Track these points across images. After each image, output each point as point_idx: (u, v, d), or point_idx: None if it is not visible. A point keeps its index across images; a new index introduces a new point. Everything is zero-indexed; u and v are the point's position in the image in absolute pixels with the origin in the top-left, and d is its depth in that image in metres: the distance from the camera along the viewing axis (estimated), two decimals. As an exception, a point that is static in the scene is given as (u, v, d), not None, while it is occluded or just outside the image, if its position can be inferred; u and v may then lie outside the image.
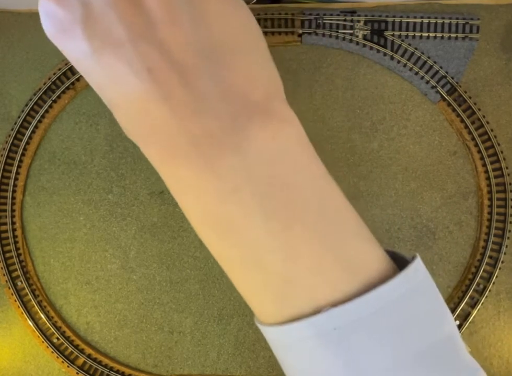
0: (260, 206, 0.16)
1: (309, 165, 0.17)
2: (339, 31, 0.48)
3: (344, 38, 0.48)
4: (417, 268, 0.17)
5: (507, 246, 0.46)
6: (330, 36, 0.48)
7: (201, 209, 0.17)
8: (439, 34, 0.47)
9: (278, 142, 0.16)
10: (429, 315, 0.17)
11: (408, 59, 0.47)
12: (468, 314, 0.46)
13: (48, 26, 0.17)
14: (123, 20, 0.16)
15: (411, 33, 0.47)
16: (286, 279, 0.16)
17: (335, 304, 0.16)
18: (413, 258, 0.18)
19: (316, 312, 0.16)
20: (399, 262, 0.18)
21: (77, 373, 0.47)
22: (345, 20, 0.48)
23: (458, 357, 0.18)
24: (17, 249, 0.48)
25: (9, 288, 0.47)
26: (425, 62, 0.47)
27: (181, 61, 0.16)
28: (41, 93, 0.48)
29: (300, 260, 0.16)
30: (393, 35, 0.48)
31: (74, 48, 0.17)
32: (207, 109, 0.16)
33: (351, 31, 0.48)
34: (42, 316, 0.47)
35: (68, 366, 0.47)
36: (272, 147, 0.16)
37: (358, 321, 0.16)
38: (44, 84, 0.49)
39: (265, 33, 0.47)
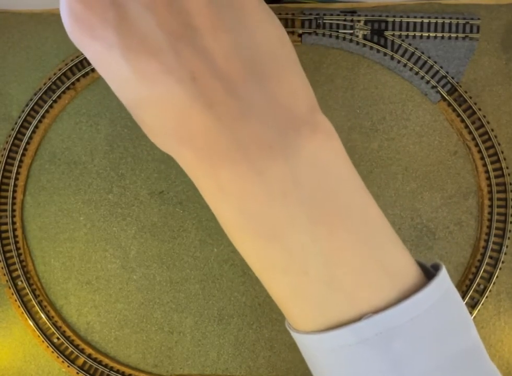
0: (307, 211, 0.16)
1: (351, 176, 0.18)
2: (339, 31, 0.48)
3: (344, 38, 0.48)
4: (445, 276, 0.18)
5: (507, 246, 0.46)
6: (330, 36, 0.48)
7: (244, 213, 0.17)
8: (439, 34, 0.47)
9: (325, 153, 0.17)
10: (458, 320, 0.18)
11: (408, 59, 0.47)
12: (469, 314, 0.46)
13: (71, 24, 0.16)
14: (163, 25, 0.15)
15: (411, 33, 0.47)
16: (328, 284, 0.17)
17: (376, 310, 0.16)
18: (437, 265, 0.19)
19: (357, 318, 0.16)
20: (422, 269, 0.19)
21: (77, 373, 0.47)
22: (345, 20, 0.48)
23: (487, 361, 0.18)
24: (17, 249, 0.48)
25: (10, 288, 0.47)
26: (425, 62, 0.47)
27: (225, 69, 0.16)
28: (41, 93, 0.48)
29: (343, 266, 0.17)
30: (393, 35, 0.48)
31: (102, 49, 0.16)
32: (253, 117, 0.16)
33: (351, 31, 0.48)
34: (42, 315, 0.47)
35: (68, 366, 0.47)
36: (320, 157, 0.17)
37: (399, 327, 0.16)
38: (44, 84, 0.49)
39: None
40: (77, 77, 0.48)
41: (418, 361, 0.16)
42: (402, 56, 0.47)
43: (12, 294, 0.47)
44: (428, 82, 0.47)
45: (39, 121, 0.48)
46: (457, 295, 0.18)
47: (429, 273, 0.19)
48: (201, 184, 0.18)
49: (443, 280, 0.18)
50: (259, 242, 0.17)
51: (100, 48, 0.16)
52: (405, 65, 0.47)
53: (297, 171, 0.16)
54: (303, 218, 0.16)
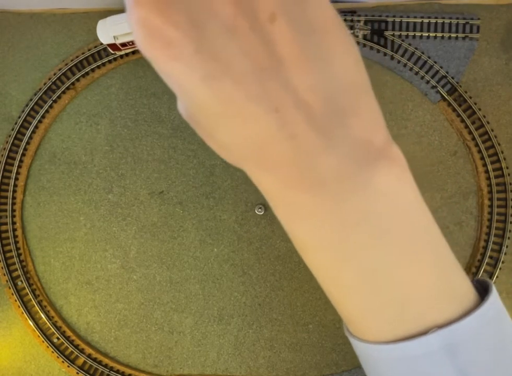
0: (380, 239, 0.18)
1: (421, 207, 0.19)
2: (339, 31, 0.48)
3: (344, 38, 0.48)
4: (496, 294, 0.20)
5: (507, 246, 0.46)
6: (330, 36, 0.48)
7: (319, 238, 0.18)
8: (439, 34, 0.47)
9: (399, 186, 0.18)
10: (510, 334, 0.20)
11: (408, 59, 0.47)
12: (469, 314, 0.46)
13: (144, 36, 0.15)
14: (247, 51, 0.15)
15: (411, 33, 0.47)
16: (400, 304, 0.18)
17: (440, 326, 0.18)
18: (487, 283, 0.21)
19: (424, 332, 0.18)
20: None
21: (77, 373, 0.47)
22: (345, 20, 0.48)
23: None
24: (17, 249, 0.48)
25: (10, 288, 0.47)
26: (425, 62, 0.47)
27: (308, 102, 0.16)
28: (41, 93, 0.48)
29: (415, 288, 0.18)
30: (393, 35, 0.47)
31: (178, 70, 0.16)
32: (334, 149, 0.17)
33: (351, 31, 0.48)
34: (42, 316, 0.47)
35: (68, 366, 0.47)
36: (395, 189, 0.18)
37: (462, 341, 0.18)
38: (44, 84, 0.49)
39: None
40: (77, 77, 0.48)
41: (481, 373, 0.18)
42: (402, 56, 0.47)
43: (12, 294, 0.47)
44: (428, 82, 0.47)
45: (39, 121, 0.48)
46: (504, 310, 0.20)
47: (478, 289, 0.21)
48: (279, 207, 0.19)
49: (496, 298, 0.20)
50: (334, 263, 0.18)
51: (177, 68, 0.16)
52: (405, 65, 0.47)
53: (373, 202, 0.17)
54: (377, 244, 0.18)
